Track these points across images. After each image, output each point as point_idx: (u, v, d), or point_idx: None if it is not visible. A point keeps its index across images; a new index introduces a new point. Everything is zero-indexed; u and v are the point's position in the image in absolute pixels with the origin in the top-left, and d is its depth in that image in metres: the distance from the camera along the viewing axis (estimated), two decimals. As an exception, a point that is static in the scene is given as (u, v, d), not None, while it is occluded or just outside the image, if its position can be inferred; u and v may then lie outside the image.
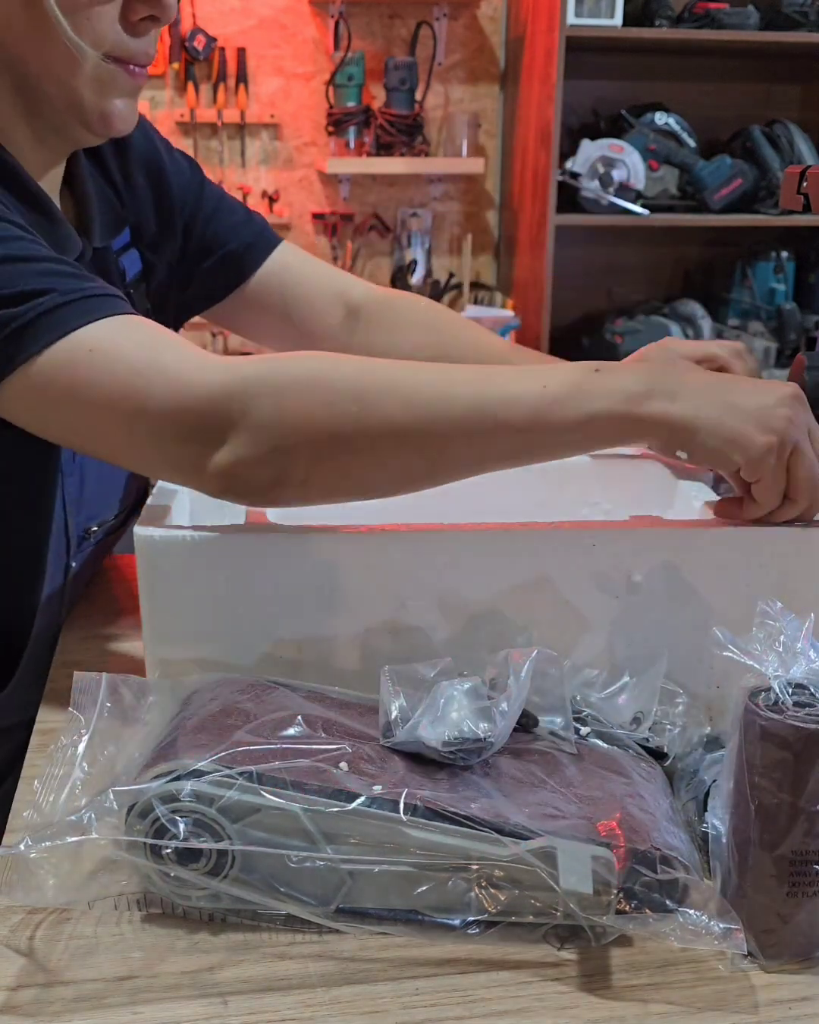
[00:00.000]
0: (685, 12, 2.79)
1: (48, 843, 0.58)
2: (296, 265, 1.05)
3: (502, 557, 0.72)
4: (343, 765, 0.60)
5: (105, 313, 0.72)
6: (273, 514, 0.74)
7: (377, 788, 0.59)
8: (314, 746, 0.61)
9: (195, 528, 0.71)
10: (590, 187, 2.77)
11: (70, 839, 0.58)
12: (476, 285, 3.13)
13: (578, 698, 0.71)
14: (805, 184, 0.89)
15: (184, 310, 1.05)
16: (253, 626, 0.72)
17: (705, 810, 0.65)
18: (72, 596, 0.95)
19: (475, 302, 3.06)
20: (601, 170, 2.76)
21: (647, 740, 0.69)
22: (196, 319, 1.09)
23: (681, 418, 0.68)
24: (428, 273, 3.06)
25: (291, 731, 0.62)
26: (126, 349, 0.71)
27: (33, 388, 0.71)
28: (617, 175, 2.76)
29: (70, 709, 0.65)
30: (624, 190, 2.78)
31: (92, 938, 0.60)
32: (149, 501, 0.78)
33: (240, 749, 0.60)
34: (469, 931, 0.60)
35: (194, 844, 0.58)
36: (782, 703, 0.56)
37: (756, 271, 3.09)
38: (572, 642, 0.74)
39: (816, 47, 2.82)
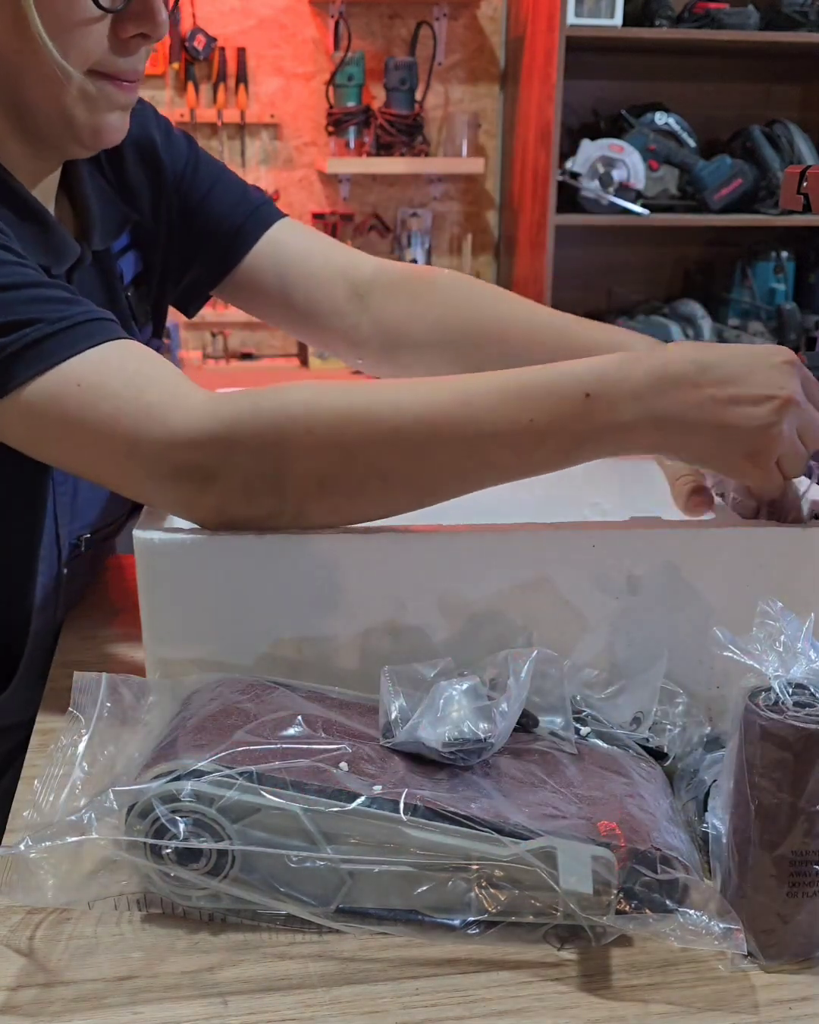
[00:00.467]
0: (685, 12, 2.79)
1: (48, 843, 0.58)
2: (293, 243, 1.01)
3: (501, 558, 0.72)
4: (343, 765, 0.60)
5: (93, 342, 0.71)
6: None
7: (377, 788, 0.59)
8: (314, 746, 0.61)
9: (194, 530, 0.71)
10: (590, 187, 2.77)
11: (70, 839, 0.58)
12: (476, 285, 3.12)
13: (578, 698, 0.71)
14: (805, 184, 0.89)
15: (190, 297, 1.03)
16: (252, 627, 0.72)
17: (705, 810, 0.65)
18: (69, 598, 0.95)
19: (475, 302, 3.05)
20: (601, 170, 2.76)
21: (647, 740, 0.69)
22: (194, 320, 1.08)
23: (672, 452, 0.71)
24: (428, 273, 3.06)
25: (291, 731, 0.62)
26: (113, 385, 0.70)
27: (24, 417, 0.71)
28: (617, 175, 2.76)
29: (70, 709, 0.65)
30: (624, 190, 2.78)
31: (92, 938, 0.60)
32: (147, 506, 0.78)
33: (240, 749, 0.60)
34: (469, 931, 0.60)
35: (194, 844, 0.58)
36: (782, 703, 0.56)
37: (756, 271, 3.09)
38: (572, 642, 0.74)
39: (816, 47, 2.82)
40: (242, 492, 0.70)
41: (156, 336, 1.02)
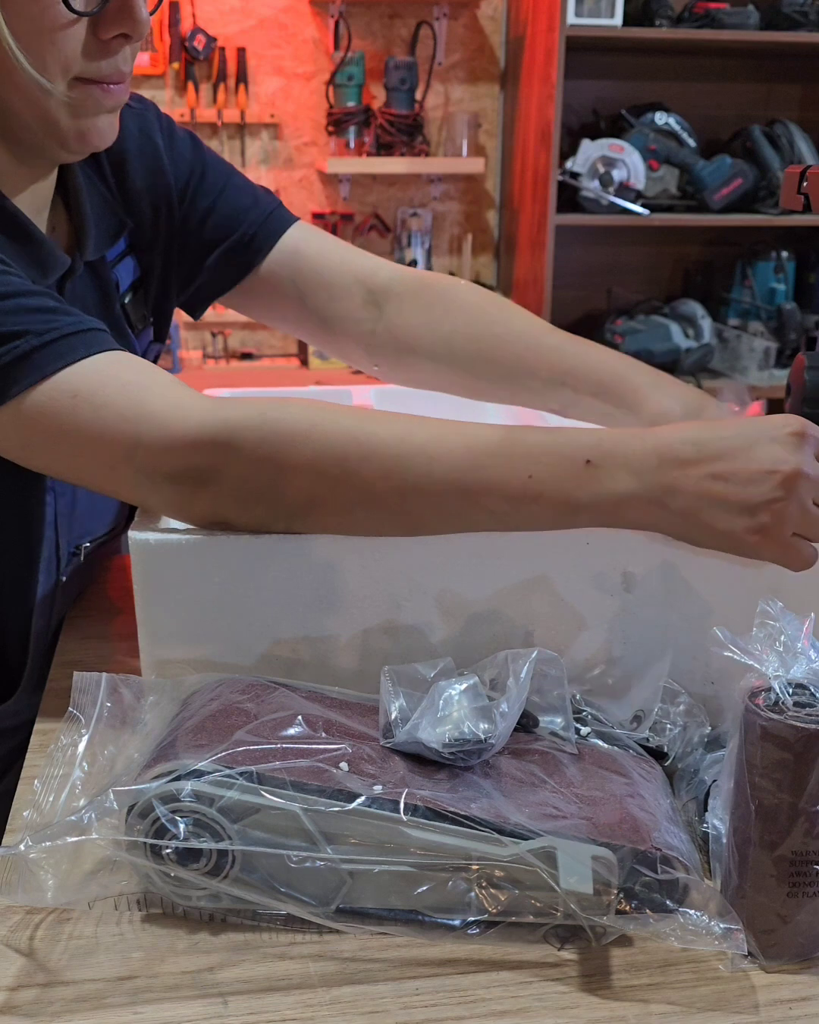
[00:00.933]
0: (685, 12, 2.79)
1: (48, 843, 0.58)
2: (309, 248, 0.99)
3: (498, 557, 0.72)
4: (343, 765, 0.60)
5: (84, 353, 0.71)
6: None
7: (377, 788, 0.59)
8: (314, 746, 0.61)
9: (189, 530, 0.71)
10: (590, 187, 2.77)
11: (70, 839, 0.58)
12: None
13: (578, 697, 0.71)
14: (805, 184, 0.89)
15: (195, 303, 1.02)
16: (249, 627, 0.72)
17: (705, 810, 0.65)
18: (66, 601, 0.95)
19: (475, 302, 3.05)
20: (601, 170, 2.76)
21: (647, 740, 0.69)
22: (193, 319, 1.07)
23: (667, 529, 0.70)
24: (428, 273, 3.06)
25: (291, 731, 0.62)
26: (110, 393, 0.70)
27: (16, 428, 0.71)
28: (617, 175, 2.76)
29: (70, 709, 0.65)
30: (624, 190, 2.78)
31: (92, 938, 0.60)
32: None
33: (240, 749, 0.60)
34: (469, 931, 0.60)
35: (194, 844, 0.58)
36: (782, 703, 0.56)
37: (756, 271, 3.09)
38: (569, 641, 0.74)
39: (816, 47, 2.82)
40: (236, 498, 0.70)
41: (158, 339, 1.01)
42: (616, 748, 0.68)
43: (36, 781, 0.63)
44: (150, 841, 0.58)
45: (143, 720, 0.66)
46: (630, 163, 2.76)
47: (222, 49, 2.85)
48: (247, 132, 2.94)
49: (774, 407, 1.06)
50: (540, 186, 2.79)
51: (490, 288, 3.15)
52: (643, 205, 2.81)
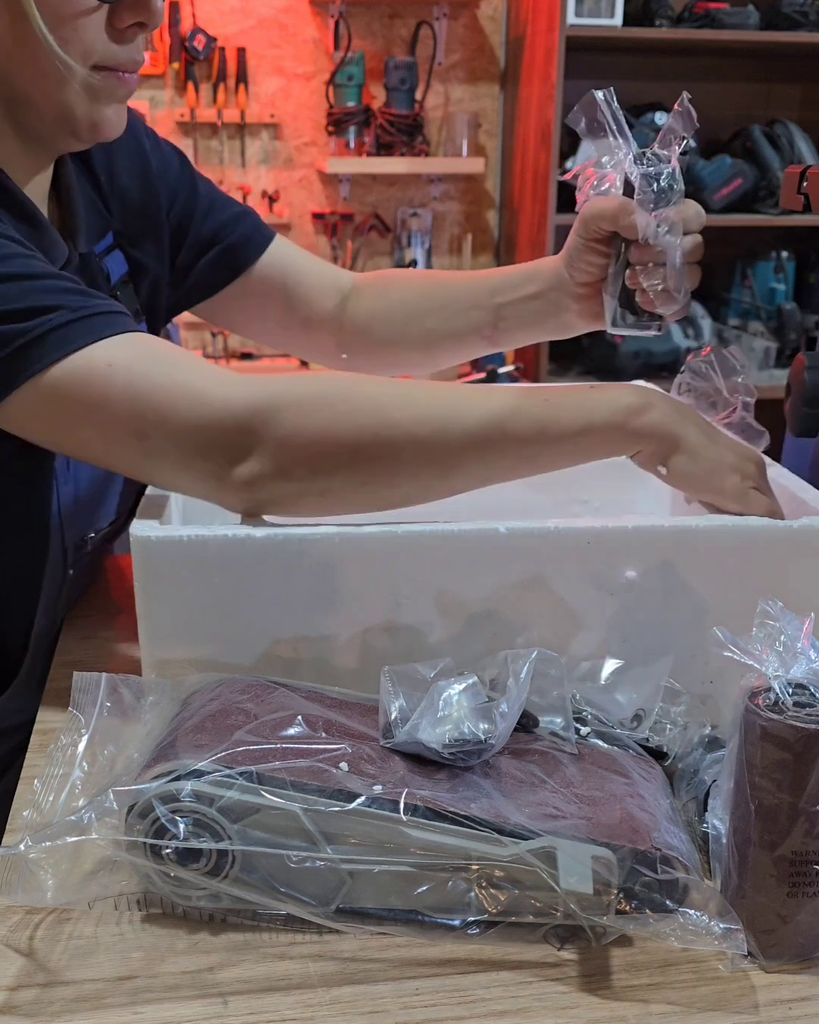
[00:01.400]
0: (685, 12, 2.79)
1: (48, 843, 0.58)
2: (293, 255, 1.07)
3: (498, 557, 0.72)
4: (343, 765, 0.60)
5: (115, 331, 0.72)
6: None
7: (377, 788, 0.59)
8: (314, 746, 0.61)
9: (190, 528, 0.71)
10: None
11: (70, 839, 0.58)
12: (476, 285, 3.12)
13: (578, 696, 0.71)
14: (805, 184, 0.89)
15: (181, 303, 1.05)
16: (249, 626, 0.72)
17: (705, 810, 0.65)
18: (70, 599, 0.95)
19: (475, 302, 3.05)
20: (601, 170, 2.76)
21: (647, 740, 0.69)
22: (193, 319, 1.09)
23: (672, 433, 0.75)
24: (428, 273, 3.06)
25: (291, 731, 0.62)
26: (146, 365, 0.72)
27: (44, 402, 0.71)
28: (617, 175, 2.76)
29: (70, 709, 0.65)
30: (624, 190, 2.78)
31: (92, 938, 0.60)
32: (143, 502, 0.78)
33: (240, 749, 0.60)
34: (469, 931, 0.60)
35: (194, 844, 0.58)
36: (782, 703, 0.56)
37: (756, 271, 3.09)
38: (568, 640, 0.74)
39: (816, 47, 2.82)
40: (274, 462, 0.71)
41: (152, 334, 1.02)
42: (616, 748, 0.68)
43: (36, 781, 0.63)
44: (150, 841, 0.58)
45: (143, 720, 0.66)
46: (630, 163, 2.76)
47: (222, 49, 2.85)
48: (247, 132, 2.94)
49: (774, 407, 1.06)
50: (540, 186, 2.79)
51: (490, 288, 3.15)
52: (643, 205, 2.81)
